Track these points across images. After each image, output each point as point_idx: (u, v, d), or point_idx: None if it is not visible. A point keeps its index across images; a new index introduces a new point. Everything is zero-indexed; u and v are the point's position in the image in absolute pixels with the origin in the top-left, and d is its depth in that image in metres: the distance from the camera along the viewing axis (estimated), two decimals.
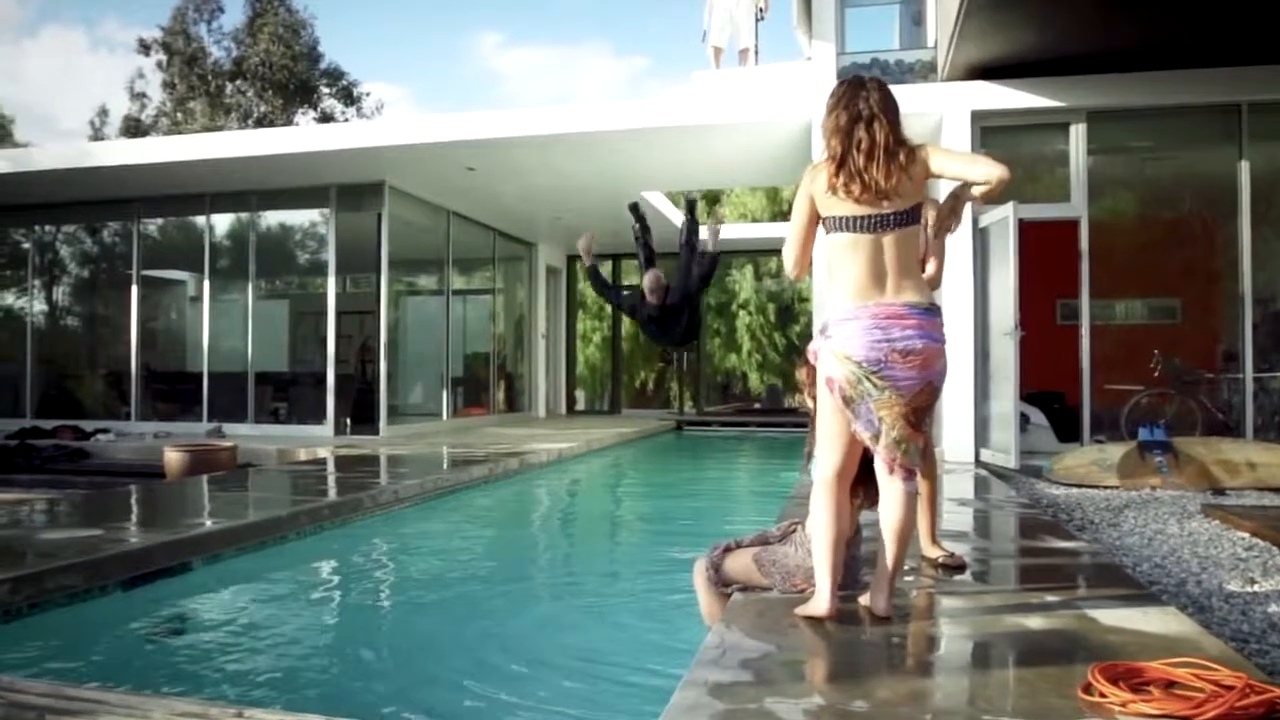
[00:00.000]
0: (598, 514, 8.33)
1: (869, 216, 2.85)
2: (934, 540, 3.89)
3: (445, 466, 8.60)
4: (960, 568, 3.75)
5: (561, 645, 3.88)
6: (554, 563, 5.99)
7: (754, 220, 22.66)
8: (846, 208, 2.86)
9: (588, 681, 3.40)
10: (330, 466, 8.46)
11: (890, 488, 2.93)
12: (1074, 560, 4.07)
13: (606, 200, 13.50)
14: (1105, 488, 7.16)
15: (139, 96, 31.11)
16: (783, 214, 22.96)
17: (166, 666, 3.55)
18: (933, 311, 2.92)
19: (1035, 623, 2.92)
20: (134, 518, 5.67)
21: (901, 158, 2.84)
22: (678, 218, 15.85)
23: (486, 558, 5.89)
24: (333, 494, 6.66)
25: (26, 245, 14.03)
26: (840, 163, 2.85)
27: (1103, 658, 2.46)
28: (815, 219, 2.96)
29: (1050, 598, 3.25)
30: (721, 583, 3.35)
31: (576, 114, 10.02)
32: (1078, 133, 8.52)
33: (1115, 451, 7.47)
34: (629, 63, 60.47)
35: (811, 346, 3.07)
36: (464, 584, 5.06)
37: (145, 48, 30.77)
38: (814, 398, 3.12)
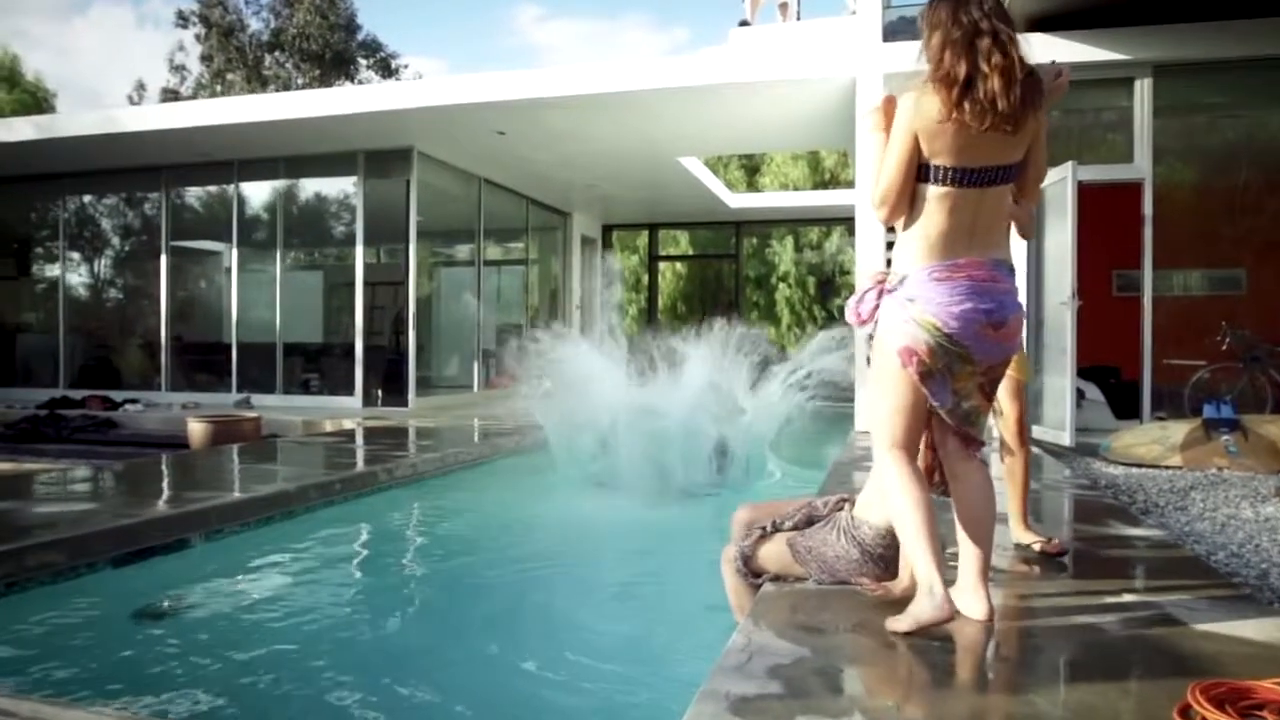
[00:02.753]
0: None
1: (983, 170, 2.40)
2: (1027, 524, 3.51)
3: (469, 438, 8.34)
4: (1061, 554, 3.35)
5: (565, 641, 3.51)
6: (571, 540, 5.55)
7: (795, 189, 22.08)
8: (953, 155, 2.39)
9: (584, 691, 3.03)
10: (352, 438, 8.24)
11: (967, 469, 2.56)
12: (1147, 550, 3.67)
13: (642, 167, 13.12)
14: (1167, 468, 6.70)
15: (178, 69, 31.17)
16: (824, 183, 22.40)
17: (150, 650, 3.30)
18: (1014, 272, 2.54)
19: (1113, 626, 2.53)
20: (138, 491, 5.44)
21: (1031, 87, 2.39)
22: (718, 187, 15.45)
23: (501, 535, 5.52)
24: (349, 467, 6.41)
25: (56, 215, 13.96)
26: (965, 86, 2.34)
27: (1198, 671, 2.09)
28: (918, 157, 2.44)
29: (1127, 595, 2.86)
30: (752, 573, 2.96)
31: (607, 73, 9.62)
32: (1143, 88, 7.95)
33: (1178, 429, 7.00)
34: (670, 35, 59.56)
35: (854, 304, 2.62)
36: (474, 564, 4.74)
37: (184, 19, 30.81)
38: None
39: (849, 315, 2.65)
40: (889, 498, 2.49)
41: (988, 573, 2.55)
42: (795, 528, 2.95)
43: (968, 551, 2.53)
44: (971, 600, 2.50)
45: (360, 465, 6.40)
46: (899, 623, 2.40)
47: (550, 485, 6.77)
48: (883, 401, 2.55)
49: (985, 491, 2.54)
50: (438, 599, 4.17)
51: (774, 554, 2.93)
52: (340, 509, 5.44)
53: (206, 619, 3.69)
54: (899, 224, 2.54)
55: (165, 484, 5.73)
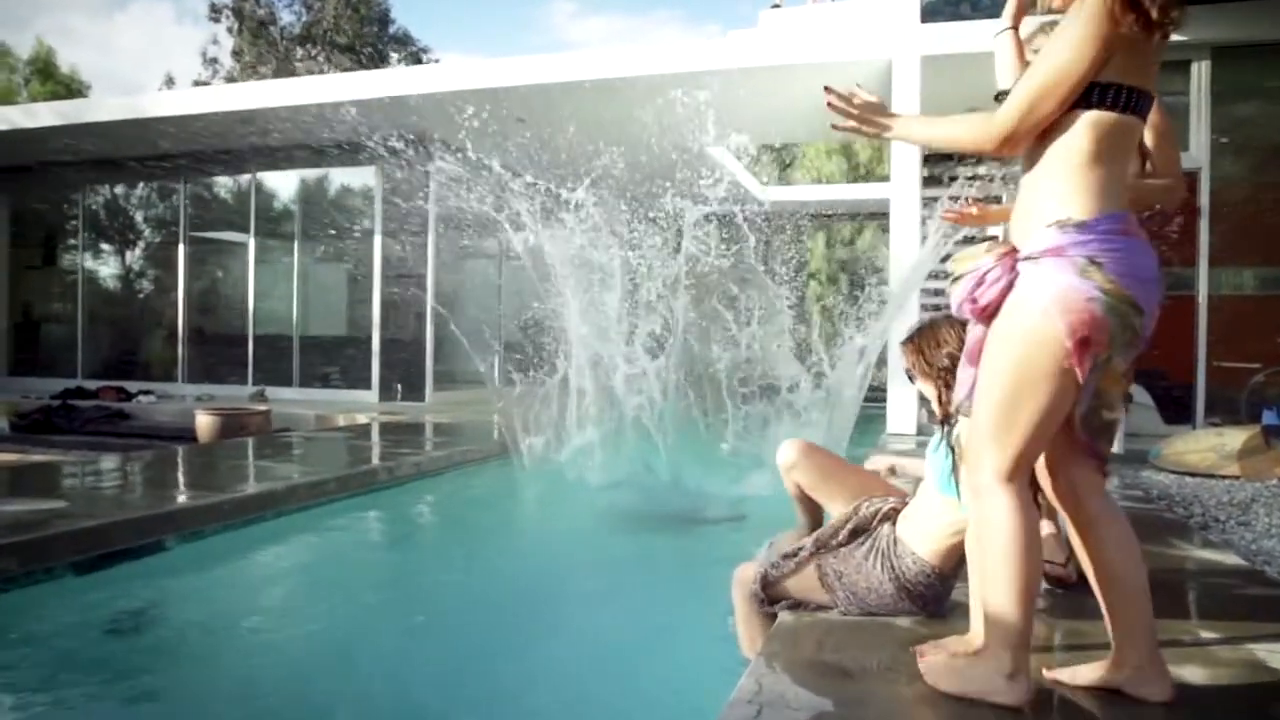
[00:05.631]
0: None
1: (1151, 96, 1.88)
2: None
3: (482, 435, 8.02)
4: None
5: (542, 674, 3.07)
6: (576, 552, 5.06)
7: (829, 183, 21.64)
8: (1141, 74, 1.83)
9: None
10: (362, 434, 7.95)
11: (1104, 508, 1.97)
12: (1218, 576, 3.21)
13: (668, 158, 12.75)
14: (1224, 478, 6.24)
15: (211, 62, 31.20)
16: (860, 177, 21.94)
17: (107, 663, 3.00)
18: None
19: (1197, 676, 2.12)
20: (121, 488, 5.13)
21: None
22: (748, 180, 15.05)
23: (503, 543, 5.12)
24: (350, 464, 6.08)
25: (78, 205, 13.82)
26: None
27: None
28: (1096, 74, 1.82)
29: (1207, 635, 2.43)
30: (770, 599, 2.54)
31: (630, 57, 9.30)
32: (1200, 71, 7.48)
33: (1235, 436, 6.53)
34: (703, 31, 59.26)
35: (969, 290, 1.93)
36: (460, 578, 4.35)
37: (216, 12, 30.79)
38: (937, 383, 2.28)
39: (960, 308, 1.98)
40: (987, 537, 1.89)
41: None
42: (841, 545, 2.48)
43: (1133, 617, 1.94)
44: (1152, 681, 1.92)
45: (362, 463, 6.07)
46: (944, 680, 1.96)
47: (553, 490, 6.42)
48: (1012, 408, 1.86)
49: (1131, 534, 1.96)
50: (423, 612, 3.81)
51: (800, 578, 2.50)
52: (334, 508, 5.12)
53: (174, 630, 3.39)
54: (1047, 152, 1.88)
55: (154, 481, 5.40)
